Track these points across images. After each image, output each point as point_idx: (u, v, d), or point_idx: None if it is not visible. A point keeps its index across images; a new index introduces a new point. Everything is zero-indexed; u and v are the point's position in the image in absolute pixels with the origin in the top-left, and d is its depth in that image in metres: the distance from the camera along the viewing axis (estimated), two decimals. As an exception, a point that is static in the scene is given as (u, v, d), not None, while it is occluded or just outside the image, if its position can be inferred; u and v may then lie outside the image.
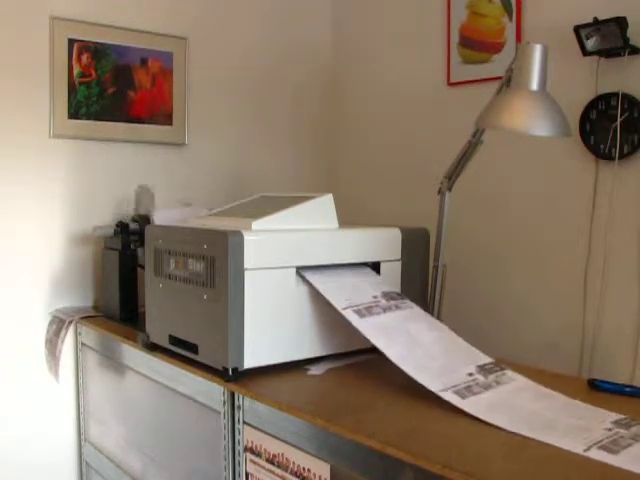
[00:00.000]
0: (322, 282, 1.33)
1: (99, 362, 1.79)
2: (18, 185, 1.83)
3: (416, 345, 1.22)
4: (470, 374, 1.18)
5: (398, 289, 1.48)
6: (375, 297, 1.33)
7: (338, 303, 1.29)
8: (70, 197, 1.92)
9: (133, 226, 1.79)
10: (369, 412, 1.09)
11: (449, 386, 1.12)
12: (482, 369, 1.20)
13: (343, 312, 1.27)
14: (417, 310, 1.35)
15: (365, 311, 1.28)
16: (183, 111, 2.08)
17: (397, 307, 1.32)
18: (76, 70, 1.89)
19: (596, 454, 0.90)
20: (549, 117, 1.31)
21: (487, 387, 1.14)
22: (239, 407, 1.24)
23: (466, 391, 1.11)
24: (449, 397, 1.09)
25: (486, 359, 1.25)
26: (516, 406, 1.09)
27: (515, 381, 1.19)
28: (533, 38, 1.70)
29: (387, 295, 1.36)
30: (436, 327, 1.32)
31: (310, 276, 1.33)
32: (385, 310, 1.30)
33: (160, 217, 1.74)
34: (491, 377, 1.18)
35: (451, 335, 1.30)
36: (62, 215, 1.90)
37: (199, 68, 2.11)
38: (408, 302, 1.36)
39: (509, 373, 1.21)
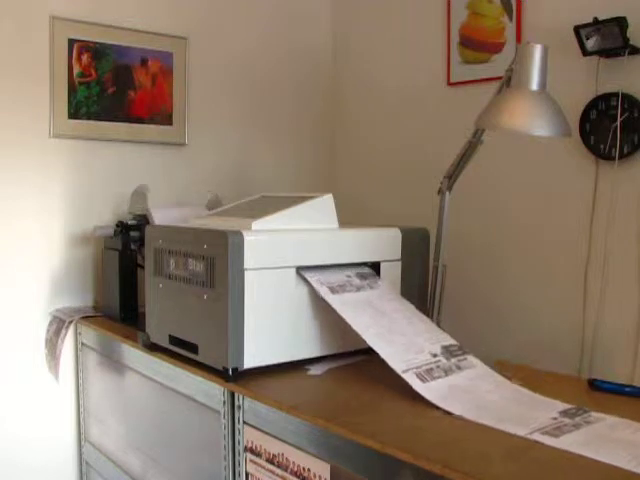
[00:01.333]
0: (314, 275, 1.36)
1: (99, 362, 1.79)
2: (18, 185, 1.83)
3: (382, 316, 1.28)
4: (434, 355, 1.23)
5: (398, 289, 1.48)
6: (349, 276, 1.38)
7: (317, 286, 1.33)
8: (70, 197, 1.92)
9: (133, 232, 1.79)
10: (369, 412, 1.09)
11: (412, 367, 1.17)
12: (447, 350, 1.25)
13: (315, 286, 1.31)
14: (388, 289, 1.40)
15: (338, 288, 1.33)
16: (183, 111, 2.08)
17: (370, 287, 1.38)
18: (76, 70, 1.89)
19: (537, 437, 0.97)
20: (549, 117, 1.31)
21: (447, 371, 1.19)
22: (239, 407, 1.24)
23: (427, 374, 1.17)
24: (410, 379, 1.14)
25: (452, 341, 1.30)
26: (471, 393, 1.14)
27: (475, 367, 1.24)
28: (533, 38, 1.70)
29: (361, 275, 1.41)
30: (406, 306, 1.37)
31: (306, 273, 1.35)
32: (358, 289, 1.35)
33: (160, 217, 1.74)
34: (453, 360, 1.23)
35: (420, 315, 1.36)
36: (62, 215, 1.90)
37: (199, 68, 2.11)
38: (379, 281, 1.41)
39: (470, 358, 1.26)
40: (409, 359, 1.19)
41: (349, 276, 1.37)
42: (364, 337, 1.22)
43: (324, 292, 1.30)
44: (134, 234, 1.78)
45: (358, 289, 1.34)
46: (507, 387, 1.19)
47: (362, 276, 1.39)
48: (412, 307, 1.38)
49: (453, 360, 1.23)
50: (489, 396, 1.14)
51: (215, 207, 1.90)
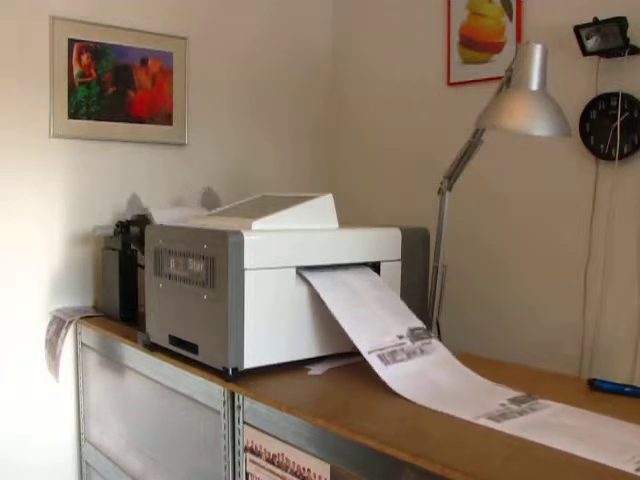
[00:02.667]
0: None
1: (99, 362, 1.79)
2: (18, 185, 1.83)
3: (356, 297, 1.31)
4: (400, 336, 1.27)
5: (398, 289, 1.48)
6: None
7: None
8: (70, 197, 1.92)
9: (133, 226, 1.79)
10: (369, 412, 1.09)
11: (376, 348, 1.22)
12: (412, 333, 1.29)
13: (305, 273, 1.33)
14: (370, 274, 1.41)
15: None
16: (183, 111, 2.08)
17: (353, 273, 1.40)
18: (76, 70, 1.89)
19: (482, 422, 1.02)
20: (549, 117, 1.31)
21: (410, 354, 1.23)
22: (239, 407, 1.24)
23: (389, 356, 1.21)
24: (372, 361, 1.19)
25: (419, 323, 1.32)
26: (427, 378, 1.20)
27: (436, 352, 1.28)
28: (533, 38, 1.70)
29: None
30: (380, 285, 1.39)
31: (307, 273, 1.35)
32: (334, 269, 1.38)
33: (160, 217, 1.74)
34: (417, 344, 1.27)
35: (393, 295, 1.38)
36: (62, 215, 1.90)
37: (199, 68, 2.11)
38: (367, 269, 1.43)
39: (434, 342, 1.30)
40: (374, 340, 1.24)
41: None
42: (336, 317, 1.27)
43: (310, 276, 1.32)
44: (134, 229, 1.78)
45: (334, 269, 1.38)
46: (463, 374, 1.24)
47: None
48: (388, 288, 1.41)
49: (417, 343, 1.28)
50: (444, 382, 1.20)
51: (210, 201, 1.90)
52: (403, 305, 1.37)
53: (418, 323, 1.33)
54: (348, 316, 1.27)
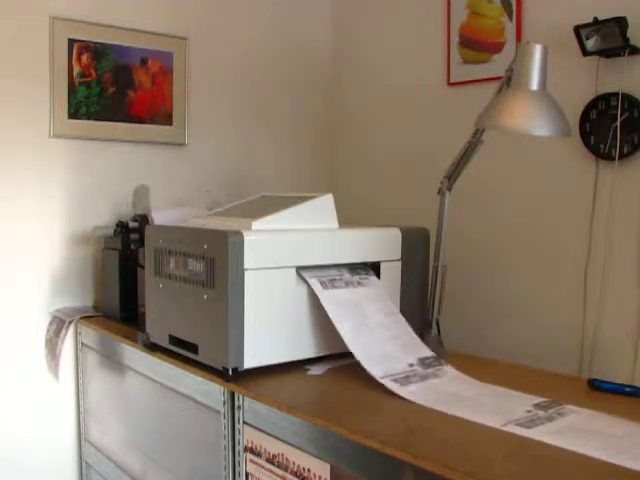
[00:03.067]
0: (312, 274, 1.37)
1: (99, 362, 1.79)
2: (18, 185, 1.83)
3: (365, 327, 1.29)
4: (410, 365, 1.26)
5: (398, 289, 1.48)
6: (340, 271, 1.38)
7: (309, 279, 1.33)
8: (70, 197, 1.92)
9: (133, 226, 1.79)
10: (369, 412, 1.09)
11: (389, 374, 1.21)
12: (423, 362, 1.28)
13: (309, 281, 1.32)
14: (377, 289, 1.40)
15: (328, 283, 1.33)
16: (183, 111, 2.08)
17: (359, 283, 1.38)
18: (76, 70, 1.89)
19: (511, 429, 1.00)
20: (549, 117, 1.31)
21: (424, 378, 1.22)
22: (239, 407, 1.24)
23: (404, 380, 1.20)
24: (388, 384, 1.18)
25: (428, 353, 1.32)
26: (447, 392, 1.17)
27: (450, 374, 1.27)
28: (533, 38, 1.70)
29: (352, 270, 1.40)
30: (390, 311, 1.38)
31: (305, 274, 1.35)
32: (347, 284, 1.36)
33: (160, 217, 1.74)
34: (429, 370, 1.26)
35: (402, 323, 1.37)
36: (62, 215, 1.91)
37: (199, 68, 2.11)
38: (372, 279, 1.41)
39: (447, 368, 1.29)
40: (386, 367, 1.23)
41: (340, 271, 1.38)
42: (350, 348, 1.25)
43: (316, 288, 1.32)
44: (134, 236, 1.78)
45: (347, 284, 1.36)
46: (485, 387, 1.22)
47: (354, 272, 1.39)
48: (398, 313, 1.39)
49: (430, 370, 1.27)
50: (466, 393, 1.17)
51: (214, 206, 1.90)
52: (411, 334, 1.35)
53: (427, 353, 1.32)
54: (359, 345, 1.26)
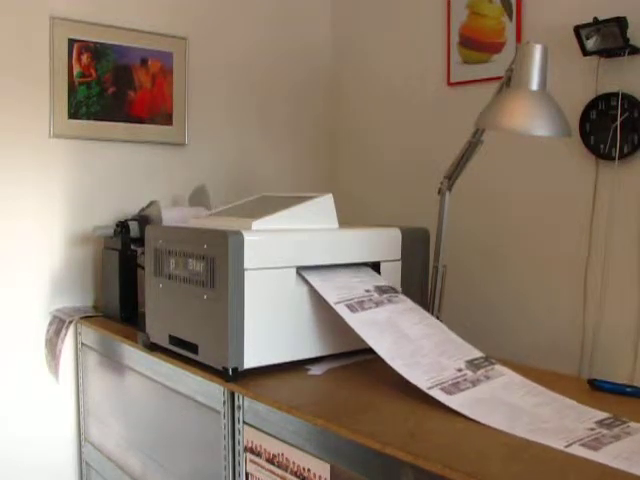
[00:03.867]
0: (319, 280, 1.32)
1: (99, 362, 1.79)
2: (18, 185, 1.83)
3: (406, 340, 1.22)
4: (459, 369, 1.17)
5: (398, 289, 1.48)
6: (368, 291, 1.32)
7: (331, 297, 1.28)
8: (70, 197, 1.92)
9: (133, 226, 1.79)
10: (369, 412, 1.09)
11: (437, 383, 1.12)
12: (471, 364, 1.19)
13: (335, 307, 1.26)
14: (409, 304, 1.34)
15: (357, 305, 1.27)
16: (183, 111, 2.08)
17: (389, 301, 1.32)
18: (76, 70, 1.89)
19: (576, 450, 0.92)
20: (549, 117, 1.31)
21: (475, 382, 1.14)
22: (239, 407, 1.24)
23: (453, 387, 1.12)
24: (436, 394, 1.09)
25: (476, 354, 1.24)
26: (501, 401, 1.09)
27: (504, 376, 1.18)
28: (533, 38, 1.70)
29: (380, 289, 1.35)
30: (427, 321, 1.31)
31: (308, 274, 1.33)
32: (377, 304, 1.29)
33: (173, 217, 1.74)
34: (480, 372, 1.17)
35: (442, 329, 1.30)
36: (62, 215, 1.90)
37: (199, 68, 2.11)
38: (401, 296, 1.36)
39: (498, 367, 1.20)
40: (433, 377, 1.14)
41: (368, 291, 1.30)
42: (390, 364, 1.17)
43: (344, 313, 1.24)
44: (133, 228, 1.78)
45: (377, 304, 1.27)
46: (539, 394, 1.14)
47: (381, 290, 1.32)
48: (437, 322, 1.31)
49: (480, 372, 1.18)
50: (522, 403, 1.09)
51: (200, 197, 1.90)
52: (454, 337, 1.28)
53: (476, 354, 1.24)
54: (401, 358, 1.18)
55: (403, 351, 1.19)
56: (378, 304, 1.28)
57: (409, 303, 1.34)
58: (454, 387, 1.11)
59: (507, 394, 1.12)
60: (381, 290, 1.33)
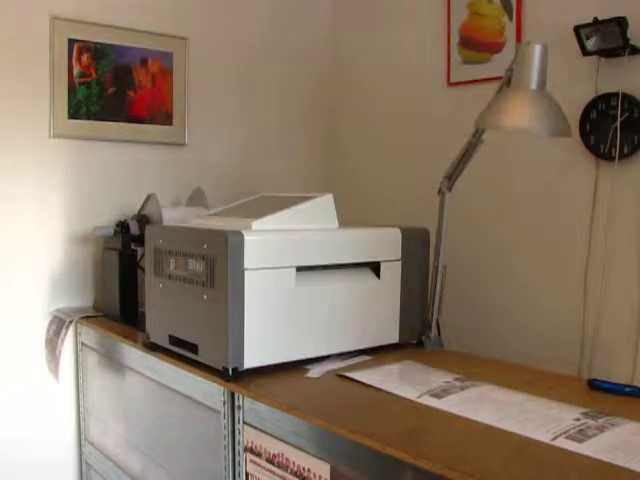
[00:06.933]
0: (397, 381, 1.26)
1: (99, 362, 1.79)
2: (18, 185, 1.83)
3: (508, 407, 1.12)
4: (577, 419, 1.06)
5: (398, 289, 1.48)
6: (447, 382, 1.26)
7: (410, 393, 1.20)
8: (70, 197, 1.92)
9: (133, 226, 1.79)
10: (369, 412, 1.09)
11: (560, 433, 1.00)
12: (588, 415, 1.08)
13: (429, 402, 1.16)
14: (491, 386, 1.25)
15: (441, 393, 1.19)
16: (183, 111, 2.08)
17: (473, 385, 1.23)
18: (76, 70, 1.89)
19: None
20: (549, 117, 1.31)
21: (602, 429, 1.02)
22: (239, 407, 1.24)
23: (580, 434, 1.00)
24: (564, 444, 0.96)
25: (588, 409, 1.11)
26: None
27: (629, 423, 1.05)
28: (533, 38, 1.70)
29: (457, 379, 1.28)
30: (516, 394, 1.22)
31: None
32: (463, 389, 1.21)
33: (169, 216, 1.74)
34: (601, 420, 1.05)
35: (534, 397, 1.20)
36: (62, 215, 1.91)
37: (199, 68, 2.11)
38: (479, 382, 1.26)
39: (619, 419, 1.07)
40: (552, 427, 1.02)
41: (447, 382, 1.24)
42: (499, 426, 1.03)
43: (425, 399, 1.16)
44: (133, 227, 1.78)
45: (462, 389, 1.20)
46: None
47: (459, 380, 1.26)
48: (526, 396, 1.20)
49: (601, 420, 1.05)
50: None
51: (197, 200, 1.90)
52: (559, 405, 1.14)
53: (587, 408, 1.11)
54: (506, 418, 1.06)
55: (510, 415, 1.08)
56: (463, 388, 1.22)
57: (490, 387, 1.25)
58: (581, 434, 1.00)
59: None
60: (460, 381, 1.27)
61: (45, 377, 1.88)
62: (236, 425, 1.25)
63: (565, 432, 0.99)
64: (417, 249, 1.52)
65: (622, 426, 1.02)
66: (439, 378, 1.26)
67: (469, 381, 1.24)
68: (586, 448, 0.93)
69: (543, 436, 0.97)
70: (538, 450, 0.93)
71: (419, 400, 1.13)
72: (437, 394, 1.15)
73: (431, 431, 1.00)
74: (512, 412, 1.07)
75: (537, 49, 1.32)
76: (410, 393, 1.16)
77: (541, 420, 1.04)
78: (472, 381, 1.23)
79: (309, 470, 1.09)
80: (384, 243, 1.46)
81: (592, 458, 0.90)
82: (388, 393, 1.17)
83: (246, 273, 1.24)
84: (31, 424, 1.87)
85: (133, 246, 1.79)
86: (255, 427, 1.21)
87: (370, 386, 1.21)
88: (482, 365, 1.38)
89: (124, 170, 1.99)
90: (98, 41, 1.92)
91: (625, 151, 1.58)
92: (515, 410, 1.08)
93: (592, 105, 1.64)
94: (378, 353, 1.44)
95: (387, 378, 1.26)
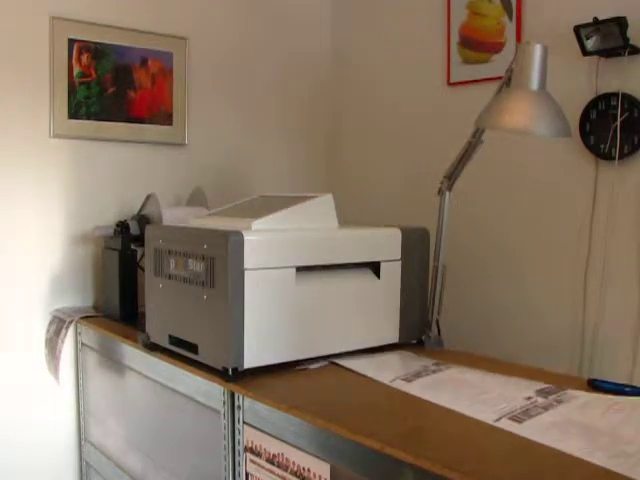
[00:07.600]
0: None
1: (99, 362, 1.79)
2: (18, 185, 1.83)
3: (466, 386, 1.17)
4: (528, 398, 1.10)
5: (398, 289, 1.48)
6: (425, 366, 1.31)
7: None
8: (70, 197, 1.92)
9: (133, 226, 1.79)
10: (369, 412, 1.09)
11: (504, 414, 1.04)
12: (541, 392, 1.12)
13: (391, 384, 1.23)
14: (460, 368, 1.30)
15: (412, 377, 1.25)
16: (183, 111, 2.08)
17: (448, 367, 1.29)
18: (76, 70, 1.89)
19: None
20: (549, 117, 1.31)
21: (548, 407, 1.06)
22: (239, 407, 1.24)
23: (523, 415, 1.03)
24: (504, 425, 1.01)
25: (546, 385, 1.17)
26: (581, 424, 1.02)
27: (578, 398, 1.10)
28: (533, 38, 1.70)
29: (435, 364, 1.33)
30: (482, 371, 1.26)
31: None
32: (435, 372, 1.26)
33: (169, 216, 1.74)
34: (551, 397, 1.10)
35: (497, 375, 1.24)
36: (62, 215, 1.91)
37: (199, 68, 2.11)
38: (453, 367, 1.31)
39: (571, 391, 1.12)
40: (500, 408, 1.06)
41: (426, 367, 1.29)
42: (457, 409, 1.08)
43: (396, 383, 1.22)
44: (133, 227, 1.78)
45: (435, 372, 1.26)
46: (620, 413, 1.07)
47: (437, 364, 1.29)
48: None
49: (551, 397, 1.10)
50: (601, 423, 1.01)
51: (197, 200, 1.90)
52: (519, 380, 1.21)
53: (546, 385, 1.17)
54: (460, 398, 1.11)
55: (465, 394, 1.14)
56: (435, 372, 1.26)
57: (459, 368, 1.30)
58: (524, 415, 1.04)
59: (586, 416, 1.05)
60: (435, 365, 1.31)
61: (45, 377, 1.88)
62: (236, 425, 1.25)
63: (510, 412, 1.02)
64: (417, 249, 1.51)
65: (567, 403, 1.05)
66: (419, 363, 1.31)
67: (445, 365, 1.28)
68: (524, 429, 0.96)
69: (488, 417, 1.01)
70: (478, 432, 0.97)
71: (391, 384, 1.19)
72: (408, 378, 1.21)
73: (431, 431, 1.00)
74: (470, 392, 1.11)
75: (537, 49, 1.32)
76: (385, 378, 1.22)
77: (495, 400, 1.07)
78: (448, 364, 1.28)
79: (309, 470, 1.09)
80: (384, 243, 1.46)
81: (525, 439, 0.94)
82: (369, 378, 1.24)
83: (246, 273, 1.24)
84: (31, 424, 1.87)
85: (133, 246, 1.79)
86: (255, 427, 1.21)
87: (357, 373, 1.28)
88: (482, 364, 1.38)
89: (124, 170, 1.99)
90: (98, 41, 1.92)
91: (625, 151, 1.58)
92: (475, 390, 1.12)
93: (592, 105, 1.64)
94: (378, 353, 1.44)
95: (374, 365, 1.31)
